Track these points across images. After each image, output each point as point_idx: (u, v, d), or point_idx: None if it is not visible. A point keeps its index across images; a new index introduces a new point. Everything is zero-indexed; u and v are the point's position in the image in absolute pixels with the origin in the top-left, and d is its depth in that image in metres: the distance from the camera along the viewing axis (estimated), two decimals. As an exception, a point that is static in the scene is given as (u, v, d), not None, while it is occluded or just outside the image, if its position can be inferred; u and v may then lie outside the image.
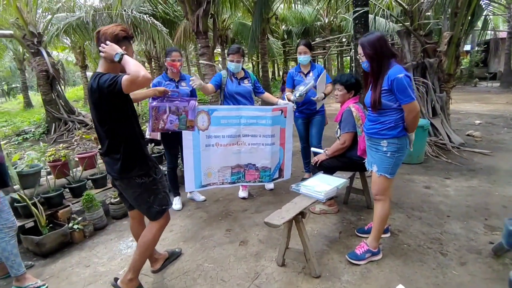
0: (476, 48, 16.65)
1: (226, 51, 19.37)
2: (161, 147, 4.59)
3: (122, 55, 1.84)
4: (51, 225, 3.02)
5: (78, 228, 3.07)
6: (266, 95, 3.82)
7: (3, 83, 31.65)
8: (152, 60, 20.70)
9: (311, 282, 2.25)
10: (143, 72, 1.76)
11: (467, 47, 18.03)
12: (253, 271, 2.43)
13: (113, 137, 2.02)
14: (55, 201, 3.20)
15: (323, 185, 2.51)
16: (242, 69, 3.72)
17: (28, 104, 19.73)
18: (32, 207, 2.90)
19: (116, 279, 2.24)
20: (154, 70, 22.09)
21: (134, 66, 1.77)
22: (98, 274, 2.57)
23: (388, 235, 2.74)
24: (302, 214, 2.27)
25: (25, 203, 2.89)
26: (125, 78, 1.77)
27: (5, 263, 2.42)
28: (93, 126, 3.01)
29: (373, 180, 2.43)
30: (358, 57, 2.35)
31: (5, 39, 14.73)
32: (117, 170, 2.05)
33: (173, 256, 2.68)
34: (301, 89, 3.54)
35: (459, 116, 8.06)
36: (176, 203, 3.68)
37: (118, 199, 3.50)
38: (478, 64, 16.95)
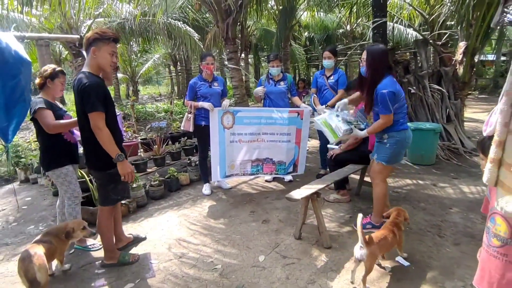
0: (502, 58, 16.47)
1: (251, 56, 19.96)
2: (193, 140, 5.14)
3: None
4: (102, 199, 3.57)
5: (124, 203, 3.60)
6: (295, 98, 4.31)
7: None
8: (178, 63, 21.62)
9: (323, 251, 2.67)
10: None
11: (491, 57, 17.83)
12: (274, 242, 2.88)
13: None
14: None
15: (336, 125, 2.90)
16: (282, 72, 4.22)
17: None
18: (89, 183, 3.46)
19: (100, 263, 2.68)
20: (180, 73, 23.00)
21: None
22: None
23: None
24: (317, 193, 2.71)
25: (84, 179, 3.45)
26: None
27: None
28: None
29: (372, 166, 2.86)
30: (360, 60, 2.78)
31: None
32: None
33: (136, 240, 3.02)
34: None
35: (478, 124, 8.20)
36: (206, 188, 4.18)
37: (157, 182, 4.04)
38: (503, 74, 16.75)
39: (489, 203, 1.57)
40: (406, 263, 2.44)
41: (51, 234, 2.44)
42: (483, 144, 1.53)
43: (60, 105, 2.97)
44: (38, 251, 2.18)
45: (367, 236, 2.18)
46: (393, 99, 2.57)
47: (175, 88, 25.37)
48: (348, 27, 17.44)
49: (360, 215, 2.20)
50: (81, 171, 3.50)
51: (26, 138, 6.95)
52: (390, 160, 2.74)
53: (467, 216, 3.22)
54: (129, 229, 3.31)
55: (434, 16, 8.07)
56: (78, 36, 4.37)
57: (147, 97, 24.51)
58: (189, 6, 8.32)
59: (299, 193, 2.60)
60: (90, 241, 3.03)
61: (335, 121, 2.87)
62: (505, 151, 1.26)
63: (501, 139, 1.26)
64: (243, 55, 18.67)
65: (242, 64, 19.93)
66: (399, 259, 2.50)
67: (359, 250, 2.15)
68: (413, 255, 2.56)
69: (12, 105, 1.97)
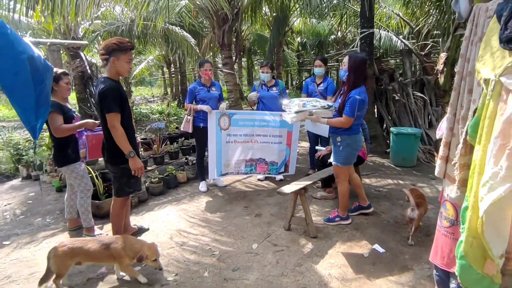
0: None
1: (245, 60, 20.28)
2: (190, 141, 5.43)
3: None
4: (106, 194, 3.84)
5: (127, 198, 3.87)
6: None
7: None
8: (172, 65, 21.85)
9: (309, 240, 3.00)
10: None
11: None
12: (265, 232, 3.19)
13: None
14: (109, 177, 4.01)
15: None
16: (273, 78, 4.55)
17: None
18: (95, 179, 3.73)
19: None
20: (173, 75, 23.21)
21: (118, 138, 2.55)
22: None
23: (371, 209, 3.47)
24: (305, 189, 3.04)
25: (91, 175, 3.71)
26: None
27: (80, 216, 3.23)
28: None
29: (334, 168, 3.26)
30: (340, 64, 3.11)
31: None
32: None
33: (140, 230, 3.28)
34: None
35: (459, 130, 8.67)
36: (202, 186, 4.47)
37: (157, 179, 4.32)
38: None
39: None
40: (381, 250, 2.79)
41: (117, 243, 2.37)
42: (436, 145, 1.87)
43: (69, 107, 3.23)
44: (70, 245, 2.29)
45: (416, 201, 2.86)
46: (361, 107, 2.93)
47: (168, 89, 25.52)
48: (340, 34, 17.93)
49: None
50: (88, 167, 3.75)
51: (26, 137, 7.12)
52: (345, 162, 3.11)
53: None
54: (132, 221, 3.56)
55: (419, 26, 8.53)
56: (87, 42, 4.62)
57: (139, 98, 24.59)
58: (186, 12, 8.62)
59: (289, 188, 2.93)
60: (97, 231, 3.29)
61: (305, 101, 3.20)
62: (450, 150, 1.60)
63: (447, 140, 1.60)
64: (236, 59, 18.99)
65: (236, 68, 20.28)
66: (375, 246, 2.84)
67: (411, 212, 2.83)
68: (388, 243, 2.91)
69: (40, 106, 2.24)
